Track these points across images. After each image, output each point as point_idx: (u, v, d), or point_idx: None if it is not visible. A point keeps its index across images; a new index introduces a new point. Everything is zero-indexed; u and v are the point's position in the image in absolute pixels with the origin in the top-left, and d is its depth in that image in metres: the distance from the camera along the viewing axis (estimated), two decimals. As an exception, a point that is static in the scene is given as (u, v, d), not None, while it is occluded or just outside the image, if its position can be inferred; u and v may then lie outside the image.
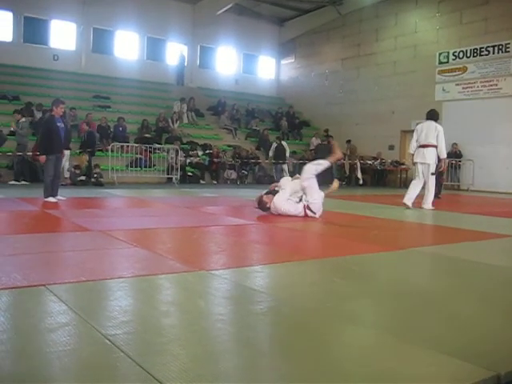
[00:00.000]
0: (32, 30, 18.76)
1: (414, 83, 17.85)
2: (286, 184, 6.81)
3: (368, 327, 2.41)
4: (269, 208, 6.72)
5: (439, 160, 8.64)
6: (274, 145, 16.75)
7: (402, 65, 18.72)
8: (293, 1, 21.25)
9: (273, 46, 24.08)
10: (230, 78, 23.08)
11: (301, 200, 6.66)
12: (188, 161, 15.73)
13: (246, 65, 23.84)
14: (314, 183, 6.70)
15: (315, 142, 19.27)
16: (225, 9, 19.92)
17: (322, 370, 1.85)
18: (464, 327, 2.42)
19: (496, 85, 15.66)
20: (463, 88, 16.49)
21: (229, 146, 17.83)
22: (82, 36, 19.57)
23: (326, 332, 2.30)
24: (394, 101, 18.67)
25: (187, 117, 18.84)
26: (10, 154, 12.90)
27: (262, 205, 6.80)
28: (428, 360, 1.96)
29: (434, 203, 8.71)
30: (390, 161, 18.42)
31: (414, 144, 8.67)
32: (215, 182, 15.91)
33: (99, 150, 14.41)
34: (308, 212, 6.55)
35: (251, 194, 10.97)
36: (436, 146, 8.43)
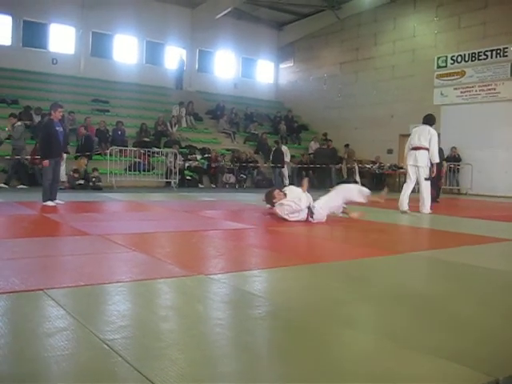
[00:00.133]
0: (31, 34, 18.80)
1: (413, 87, 17.89)
2: (301, 198, 6.46)
3: (366, 332, 2.41)
4: (274, 203, 6.67)
5: (432, 164, 8.62)
6: (273, 149, 16.72)
7: (401, 69, 18.78)
8: (291, 5, 21.32)
9: (271, 50, 24.14)
10: (228, 81, 23.12)
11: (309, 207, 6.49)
12: (187, 165, 15.72)
13: (245, 69, 23.89)
14: (335, 198, 6.66)
15: (314, 145, 19.31)
16: (224, 13, 19.96)
17: (321, 372, 1.85)
18: (463, 332, 2.41)
19: (494, 89, 15.68)
20: (461, 92, 16.50)
21: (227, 149, 17.84)
22: (81, 40, 19.61)
23: (325, 336, 2.30)
24: (392, 105, 18.72)
25: (186, 121, 18.85)
26: (7, 157, 12.85)
27: (269, 197, 6.74)
28: (427, 365, 1.96)
29: (432, 207, 8.71)
30: (388, 165, 18.43)
31: (407, 146, 8.69)
32: (214, 186, 15.88)
33: (97, 154, 14.40)
34: (309, 217, 6.49)
35: (250, 198, 11.00)
36: (428, 149, 8.40)
